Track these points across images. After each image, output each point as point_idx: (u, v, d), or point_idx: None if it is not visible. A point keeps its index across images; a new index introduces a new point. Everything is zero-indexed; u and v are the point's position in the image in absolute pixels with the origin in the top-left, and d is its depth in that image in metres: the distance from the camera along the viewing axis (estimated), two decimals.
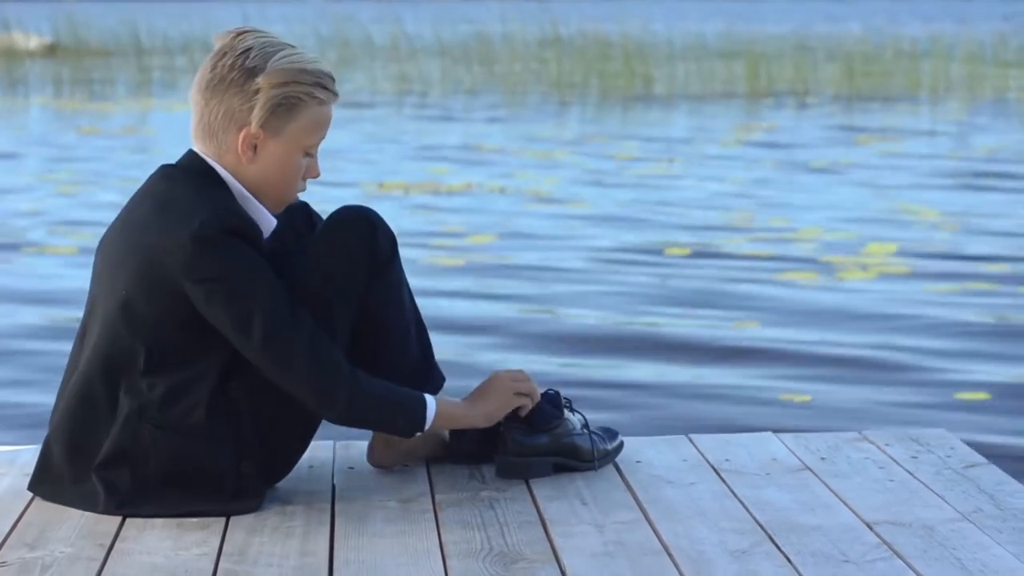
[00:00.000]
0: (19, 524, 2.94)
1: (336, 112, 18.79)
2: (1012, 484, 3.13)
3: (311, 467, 3.28)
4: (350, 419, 2.99)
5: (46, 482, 3.03)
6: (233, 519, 2.95)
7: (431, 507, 3.01)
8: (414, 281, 7.86)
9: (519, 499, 3.05)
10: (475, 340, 6.67)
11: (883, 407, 5.61)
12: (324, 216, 3.36)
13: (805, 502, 3.02)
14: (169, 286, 2.90)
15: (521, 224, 9.92)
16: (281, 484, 3.14)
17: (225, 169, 3.00)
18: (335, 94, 3.04)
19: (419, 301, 7.22)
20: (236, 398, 2.97)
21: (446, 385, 3.24)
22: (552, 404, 3.20)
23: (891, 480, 3.15)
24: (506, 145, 14.96)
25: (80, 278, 8.17)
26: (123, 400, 2.94)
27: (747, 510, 2.97)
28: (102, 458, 2.94)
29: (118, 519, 2.94)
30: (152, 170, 2.95)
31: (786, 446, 3.41)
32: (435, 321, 6.94)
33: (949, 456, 3.33)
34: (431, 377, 3.18)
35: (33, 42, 32.46)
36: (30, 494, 3.09)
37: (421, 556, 2.73)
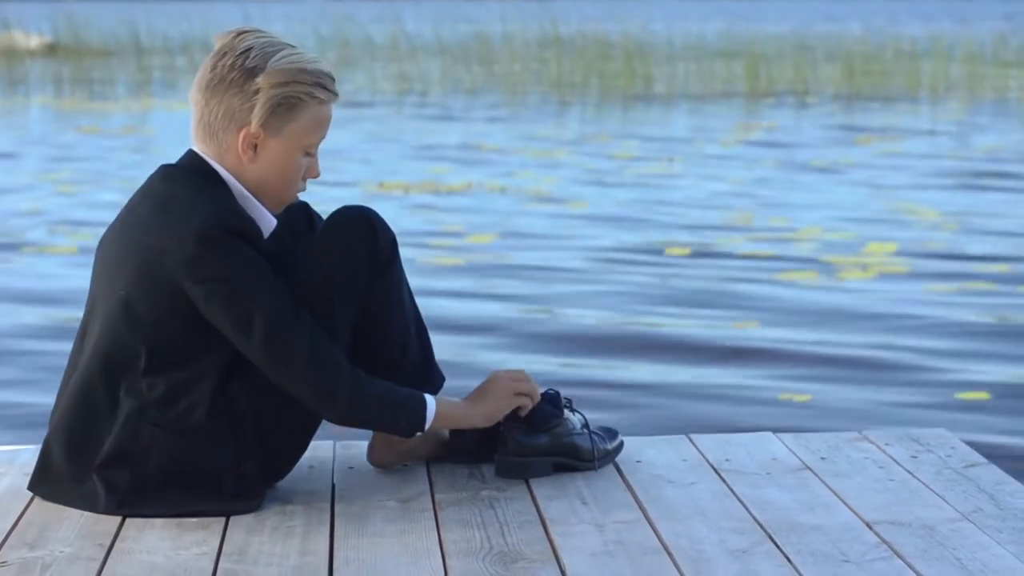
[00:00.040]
0: (19, 524, 2.93)
1: (336, 112, 18.79)
2: (1012, 484, 3.12)
3: (311, 467, 3.28)
4: (351, 419, 2.99)
5: (46, 482, 3.03)
6: (233, 519, 2.94)
7: (431, 506, 3.01)
8: (414, 281, 7.85)
9: (519, 498, 3.05)
10: (475, 340, 6.67)
11: (883, 407, 5.61)
12: (324, 216, 3.36)
13: (805, 502, 3.02)
14: (170, 286, 2.90)
15: (521, 224, 9.92)
16: (281, 484, 3.14)
17: (225, 169, 3.00)
18: (335, 94, 3.04)
19: (419, 301, 7.22)
20: (236, 398, 2.97)
21: (446, 385, 3.24)
22: (552, 404, 3.20)
23: (891, 480, 3.15)
24: (506, 145, 14.96)
25: (79, 278, 8.17)
26: (123, 400, 2.94)
27: (747, 510, 2.97)
28: (102, 458, 2.94)
29: (118, 519, 2.94)
30: (152, 170, 2.96)
31: (786, 446, 3.41)
32: (435, 321, 6.94)
33: (949, 456, 3.33)
34: (431, 377, 3.18)
35: (33, 41, 32.46)
36: (30, 494, 3.09)
37: (421, 555, 2.73)
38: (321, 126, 3.03)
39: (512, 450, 3.16)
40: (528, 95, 21.38)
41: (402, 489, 3.13)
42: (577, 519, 2.92)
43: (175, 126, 17.19)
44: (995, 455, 4.85)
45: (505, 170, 12.89)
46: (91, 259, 8.73)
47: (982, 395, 5.79)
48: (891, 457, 3.32)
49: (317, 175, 3.08)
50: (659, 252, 8.84)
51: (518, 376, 3.16)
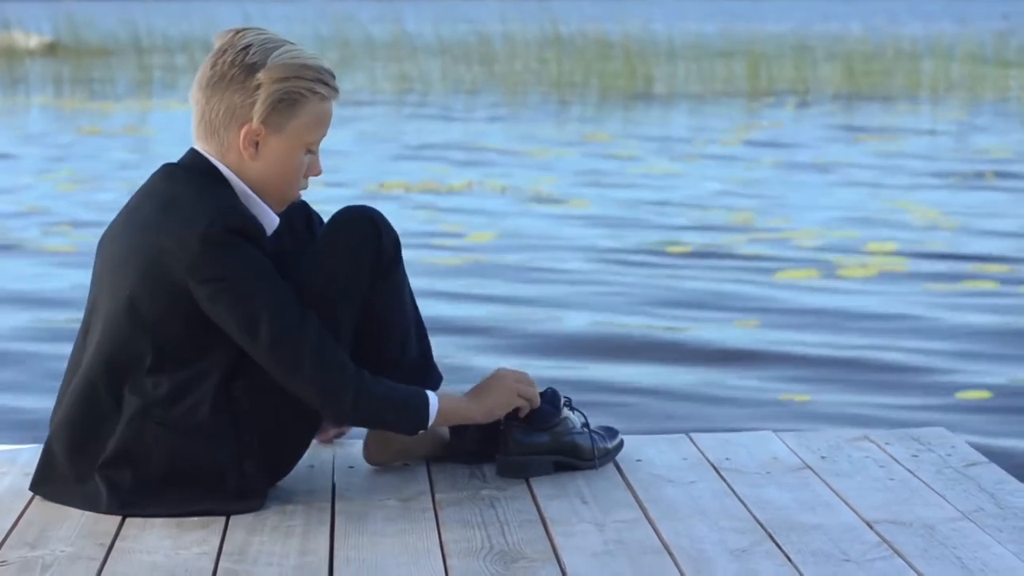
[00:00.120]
0: (19, 523, 2.93)
1: (336, 111, 18.79)
2: (1013, 483, 3.12)
3: (311, 466, 3.27)
4: (356, 419, 2.99)
5: (48, 482, 3.03)
6: (233, 518, 2.94)
7: (431, 506, 3.01)
8: (413, 281, 7.84)
9: (519, 498, 3.05)
10: (473, 341, 6.66)
11: (883, 409, 5.61)
12: (323, 215, 3.35)
13: (805, 501, 3.02)
14: (174, 285, 2.90)
15: (521, 224, 9.92)
16: (281, 483, 3.14)
17: (227, 167, 3.00)
18: (336, 90, 3.04)
19: (418, 301, 7.21)
20: (239, 397, 2.97)
21: (443, 385, 3.24)
22: (551, 403, 3.20)
23: (891, 479, 3.15)
24: (506, 144, 14.96)
25: (76, 278, 8.16)
26: (127, 399, 2.93)
27: (747, 509, 2.97)
28: (105, 457, 2.94)
29: (118, 518, 2.94)
30: (153, 169, 2.95)
31: (786, 445, 3.41)
32: (433, 321, 6.93)
33: (950, 455, 3.33)
34: (430, 377, 3.18)
35: (33, 41, 32.45)
36: (31, 493, 3.09)
37: (421, 555, 2.73)
38: (322, 123, 3.03)
39: (513, 449, 3.16)
40: (528, 95, 21.38)
41: (402, 488, 3.12)
42: (577, 518, 2.92)
43: (175, 125, 17.19)
44: (996, 456, 4.85)
45: (505, 170, 12.89)
46: (90, 260, 8.72)
47: (983, 394, 5.79)
48: (892, 456, 3.32)
49: (319, 173, 3.08)
50: (659, 252, 8.84)
51: (522, 377, 3.16)
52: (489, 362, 6.24)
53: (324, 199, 10.86)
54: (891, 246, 8.95)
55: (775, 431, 3.56)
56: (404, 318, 3.14)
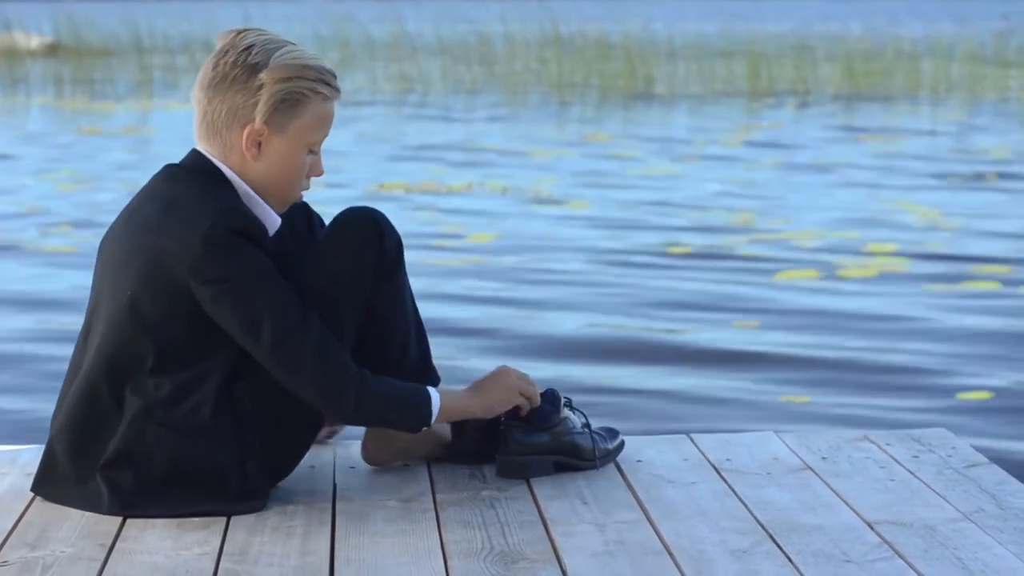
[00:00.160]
0: (20, 524, 2.93)
1: (337, 112, 18.79)
2: (1013, 484, 3.12)
3: (312, 467, 3.27)
4: (359, 419, 3.00)
5: (49, 483, 3.02)
6: (234, 519, 2.94)
7: (432, 506, 3.01)
8: (413, 281, 7.82)
9: (520, 498, 3.05)
10: (473, 343, 6.66)
11: (884, 410, 5.60)
12: (323, 216, 3.36)
13: (806, 502, 3.02)
14: (176, 287, 2.90)
15: (521, 225, 9.92)
16: (282, 484, 3.14)
17: (229, 168, 3.00)
18: (338, 90, 3.04)
19: (417, 302, 7.20)
20: (241, 398, 2.97)
21: (441, 386, 3.24)
22: (551, 403, 3.20)
23: (892, 480, 3.15)
24: (506, 145, 14.96)
25: (76, 279, 8.16)
26: (129, 400, 2.93)
27: (748, 510, 2.97)
28: (107, 458, 2.94)
29: (119, 519, 2.94)
30: (154, 170, 2.95)
31: (787, 446, 3.41)
32: (433, 323, 6.93)
33: (950, 456, 3.33)
34: (429, 378, 3.18)
35: (34, 42, 32.45)
36: (31, 494, 3.08)
37: (422, 555, 2.73)
38: (324, 123, 3.03)
39: (513, 449, 3.16)
40: (528, 95, 21.38)
41: (403, 489, 3.13)
42: (578, 519, 2.92)
43: (176, 126, 17.19)
44: (997, 458, 4.85)
45: (505, 170, 12.89)
46: (90, 261, 8.72)
47: (983, 394, 5.79)
48: (892, 457, 3.32)
49: (320, 173, 3.08)
50: (660, 253, 8.84)
51: (522, 376, 3.17)
52: (488, 364, 6.24)
53: (325, 200, 10.86)
54: (891, 247, 8.95)
55: (776, 432, 3.56)
56: (405, 319, 3.14)
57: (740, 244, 9.07)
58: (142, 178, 12.26)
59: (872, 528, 2.86)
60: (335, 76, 3.04)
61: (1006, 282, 7.91)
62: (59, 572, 2.67)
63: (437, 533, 2.85)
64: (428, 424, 3.04)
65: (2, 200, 11.31)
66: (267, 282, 2.91)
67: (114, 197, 11.34)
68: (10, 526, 2.92)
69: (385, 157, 14.01)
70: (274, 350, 2.90)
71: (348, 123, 17.43)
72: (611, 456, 3.28)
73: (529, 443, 3.16)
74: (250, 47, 2.96)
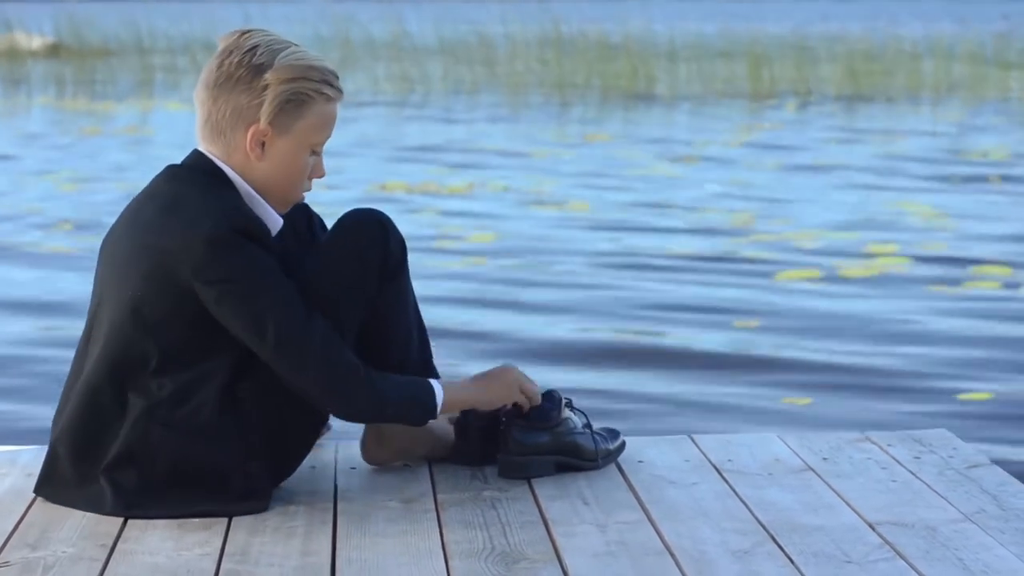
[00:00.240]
0: (21, 524, 2.93)
1: (338, 112, 18.77)
2: (1015, 484, 3.12)
3: (313, 467, 3.28)
4: (365, 416, 3.01)
5: (52, 485, 3.02)
6: (235, 519, 2.94)
7: (433, 507, 3.01)
8: (413, 283, 7.84)
9: (521, 499, 3.05)
10: (473, 345, 6.65)
11: (885, 414, 5.59)
12: (324, 217, 3.36)
13: (807, 502, 3.02)
14: (179, 287, 2.90)
15: (521, 225, 9.92)
16: (284, 484, 3.14)
17: (232, 169, 3.00)
18: (341, 91, 3.05)
19: (418, 303, 7.20)
20: (243, 398, 2.97)
21: None
22: (551, 403, 3.20)
23: (893, 480, 3.15)
24: (507, 146, 14.96)
25: (77, 280, 8.15)
26: (132, 400, 2.93)
27: (749, 510, 2.97)
28: (110, 459, 2.94)
29: (120, 519, 2.94)
30: (155, 170, 2.94)
31: (788, 446, 3.41)
32: (433, 324, 6.90)
33: (951, 456, 3.32)
34: (430, 378, 3.19)
35: (36, 42, 32.43)
36: (32, 494, 3.08)
37: (423, 556, 2.73)
38: (328, 124, 3.03)
39: (514, 449, 3.17)
40: (529, 96, 21.38)
41: (404, 489, 3.13)
42: (579, 519, 2.92)
43: (177, 126, 17.18)
44: (997, 461, 4.84)
45: (506, 171, 12.89)
46: (91, 262, 8.71)
47: (984, 395, 5.79)
48: (893, 458, 3.32)
49: (322, 175, 3.09)
50: (660, 255, 8.83)
51: (527, 377, 3.17)
52: (487, 367, 6.21)
53: (325, 201, 10.86)
54: (892, 248, 8.95)
55: (777, 433, 3.56)
56: (407, 320, 3.15)
57: (741, 245, 9.07)
58: (143, 178, 12.26)
59: (873, 529, 2.86)
60: (338, 77, 3.05)
61: (1007, 284, 7.91)
62: (60, 572, 2.67)
63: (438, 533, 2.85)
64: (434, 416, 3.05)
65: (2, 200, 11.30)
66: (271, 281, 2.91)
67: (115, 197, 11.34)
68: (11, 527, 2.92)
69: (385, 158, 14.01)
70: (278, 349, 2.90)
71: (349, 123, 17.43)
72: (612, 456, 3.28)
73: (530, 443, 3.17)
74: (255, 47, 2.96)
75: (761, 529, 2.86)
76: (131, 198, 3.07)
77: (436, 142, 15.36)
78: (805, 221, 10.02)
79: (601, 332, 6.86)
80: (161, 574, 2.66)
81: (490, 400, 3.14)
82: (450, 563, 2.70)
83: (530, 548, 2.77)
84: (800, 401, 5.76)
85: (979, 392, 5.85)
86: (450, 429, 3.28)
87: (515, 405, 3.17)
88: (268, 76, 2.95)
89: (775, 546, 2.77)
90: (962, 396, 5.80)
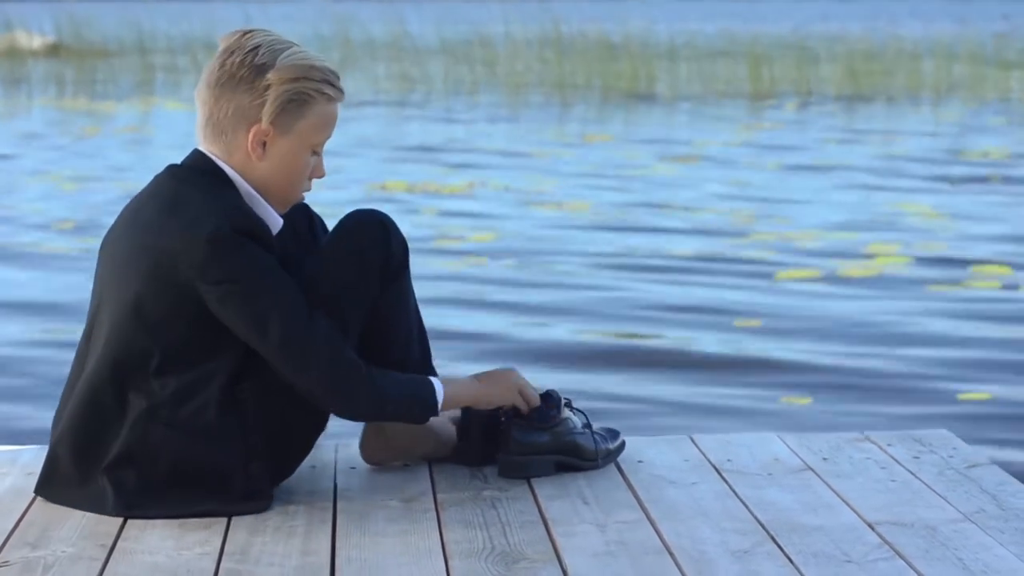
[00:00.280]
0: (21, 523, 2.94)
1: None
2: (1014, 484, 3.12)
3: (313, 467, 3.28)
4: (367, 415, 3.00)
5: (53, 485, 3.02)
6: (235, 519, 2.94)
7: (433, 506, 3.01)
8: (413, 283, 7.85)
9: (521, 498, 3.05)
10: (473, 346, 6.65)
11: (884, 416, 5.59)
12: (324, 217, 3.37)
13: (807, 502, 3.02)
14: (181, 288, 2.90)
15: (521, 225, 9.92)
16: (283, 484, 3.14)
17: (232, 168, 3.00)
18: (342, 91, 3.05)
19: (419, 304, 7.20)
20: (244, 398, 2.97)
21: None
22: (551, 402, 3.20)
23: (893, 480, 3.15)
24: (507, 145, 14.96)
25: (77, 280, 8.15)
26: (133, 400, 2.93)
27: (749, 510, 2.97)
28: (111, 459, 2.94)
29: (120, 519, 2.94)
30: (155, 170, 2.95)
31: (788, 446, 3.41)
32: (432, 325, 6.92)
33: (951, 456, 3.33)
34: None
35: (36, 42, 32.46)
36: (32, 494, 3.08)
37: (423, 555, 2.73)
38: (329, 124, 3.04)
39: (514, 449, 3.17)
40: (529, 96, 21.38)
41: (404, 489, 3.13)
42: (579, 519, 2.92)
43: (177, 126, 17.19)
44: (997, 462, 4.84)
45: (506, 171, 12.89)
46: (91, 262, 8.72)
47: (984, 395, 5.79)
48: (893, 458, 3.32)
49: (322, 175, 3.09)
50: (660, 255, 8.84)
51: (525, 381, 3.18)
52: (487, 367, 6.22)
53: (325, 201, 10.86)
54: (892, 248, 8.95)
55: (777, 432, 3.56)
56: (408, 320, 3.15)
57: (741, 245, 9.07)
58: (143, 178, 12.27)
59: (873, 529, 2.86)
60: (339, 77, 3.05)
61: (1007, 284, 7.91)
62: (60, 572, 2.67)
63: (438, 533, 2.86)
64: (435, 413, 3.06)
65: (2, 200, 11.31)
66: (273, 281, 2.92)
67: (115, 197, 11.34)
68: (11, 526, 2.92)
69: (385, 158, 14.01)
70: (282, 348, 2.91)
71: (350, 123, 17.43)
72: (612, 456, 3.28)
73: (530, 443, 3.17)
74: (257, 47, 2.97)
75: (760, 529, 2.86)
76: (131, 198, 3.07)
77: (436, 142, 15.36)
78: (805, 221, 10.02)
79: (600, 332, 6.87)
80: (161, 573, 2.66)
81: (490, 399, 3.14)
82: (450, 563, 2.70)
83: (530, 548, 2.77)
84: (800, 400, 5.76)
85: (979, 392, 5.86)
86: (452, 429, 3.29)
87: (513, 407, 3.18)
88: (270, 76, 2.95)
89: (774, 546, 2.77)
90: (962, 396, 5.80)
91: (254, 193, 3.01)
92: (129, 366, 2.93)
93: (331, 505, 3.03)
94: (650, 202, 10.95)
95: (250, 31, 3.01)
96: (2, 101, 21.10)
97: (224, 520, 2.93)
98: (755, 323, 7.02)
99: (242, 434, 2.96)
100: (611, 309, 7.35)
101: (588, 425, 3.26)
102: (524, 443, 3.17)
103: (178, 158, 3.14)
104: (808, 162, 13.45)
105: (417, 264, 8.46)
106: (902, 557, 2.70)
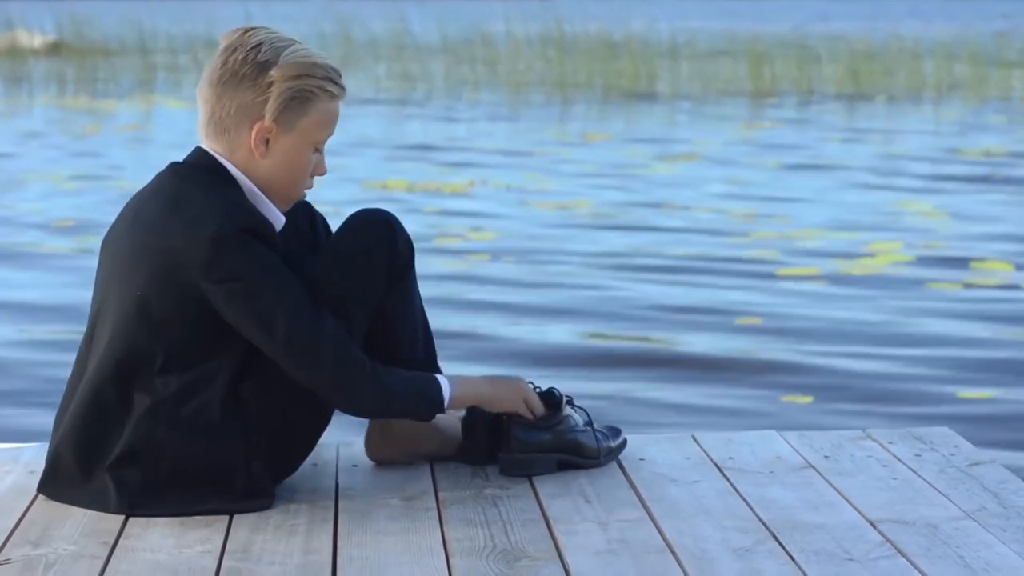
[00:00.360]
0: (23, 521, 2.94)
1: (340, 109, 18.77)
2: (1016, 482, 3.13)
3: (315, 465, 3.28)
4: (373, 412, 3.01)
5: (56, 483, 3.02)
6: (237, 517, 2.95)
7: (435, 505, 3.01)
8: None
9: (522, 497, 3.05)
10: (472, 346, 6.65)
11: (885, 413, 5.59)
12: (325, 215, 3.36)
13: (809, 500, 3.02)
14: (185, 287, 2.90)
15: (522, 225, 9.92)
16: (285, 482, 3.14)
17: (235, 166, 3.00)
18: (344, 89, 3.05)
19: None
20: (247, 397, 2.97)
21: None
22: (551, 401, 3.20)
23: (894, 478, 3.16)
24: (508, 144, 14.96)
25: (77, 280, 8.15)
26: (136, 399, 2.93)
27: (751, 508, 2.97)
28: (114, 458, 2.94)
29: (121, 516, 2.94)
30: (156, 169, 2.96)
31: (790, 444, 3.41)
32: (432, 324, 6.89)
33: (953, 454, 3.33)
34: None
35: (37, 40, 32.45)
36: (34, 492, 3.09)
37: (424, 554, 2.73)
38: (331, 122, 3.04)
39: (515, 447, 3.17)
40: (531, 95, 21.38)
41: (406, 487, 3.13)
42: (580, 517, 2.93)
43: (179, 125, 17.19)
44: (998, 461, 4.84)
45: (507, 170, 12.89)
46: (91, 262, 8.72)
47: (984, 395, 5.79)
48: (895, 455, 3.32)
49: (324, 172, 3.09)
50: (661, 254, 8.83)
51: (532, 391, 3.18)
52: (488, 368, 6.22)
53: (326, 199, 10.86)
54: (893, 247, 8.95)
55: (778, 430, 3.56)
56: (413, 319, 3.15)
57: (741, 245, 9.07)
58: (144, 177, 12.26)
59: (874, 527, 2.86)
60: (341, 75, 3.05)
61: (1007, 284, 7.91)
62: (62, 570, 2.67)
63: (439, 531, 2.86)
64: (441, 411, 3.06)
65: (2, 200, 11.30)
66: (277, 279, 2.91)
67: (115, 197, 11.34)
68: (13, 524, 2.92)
69: (386, 156, 14.01)
70: (288, 347, 2.91)
71: (351, 122, 17.43)
72: (614, 454, 3.28)
73: (532, 441, 3.17)
74: (259, 45, 2.97)
75: (762, 527, 2.86)
76: (132, 196, 3.07)
77: (437, 141, 15.36)
78: (806, 220, 10.02)
79: (601, 332, 6.86)
80: (162, 572, 2.66)
81: (496, 400, 3.13)
82: (451, 561, 2.70)
83: (531, 546, 2.77)
84: (802, 399, 5.76)
85: (979, 392, 5.85)
86: (458, 427, 3.28)
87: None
88: (273, 73, 2.95)
89: (776, 544, 2.77)
90: (962, 396, 5.80)
91: (256, 191, 3.00)
92: (132, 365, 2.93)
93: (333, 503, 3.03)
94: (650, 201, 10.95)
95: (252, 29, 3.01)
96: (3, 100, 21.10)
97: (226, 518, 2.93)
98: (755, 322, 7.02)
99: (244, 433, 2.96)
100: (611, 309, 7.35)
101: (590, 423, 3.26)
102: (526, 441, 3.17)
103: (179, 157, 3.13)
104: (809, 161, 13.45)
105: (417, 263, 8.45)
106: (904, 555, 2.70)
